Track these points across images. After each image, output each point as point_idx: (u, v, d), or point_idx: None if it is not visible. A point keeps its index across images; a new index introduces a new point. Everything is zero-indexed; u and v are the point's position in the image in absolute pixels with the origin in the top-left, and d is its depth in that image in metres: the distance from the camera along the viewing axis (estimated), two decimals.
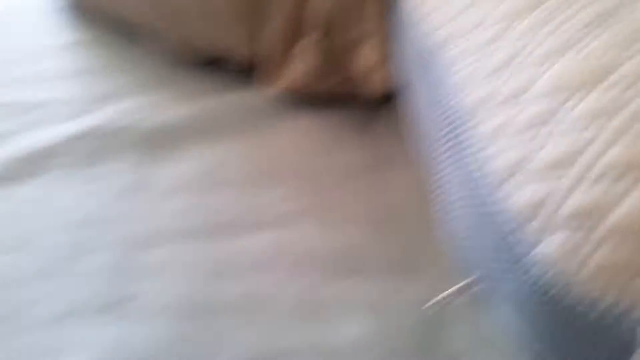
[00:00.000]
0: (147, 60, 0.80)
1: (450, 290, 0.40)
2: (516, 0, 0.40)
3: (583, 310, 0.28)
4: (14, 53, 0.82)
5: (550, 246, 0.29)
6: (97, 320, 0.49)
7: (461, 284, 0.39)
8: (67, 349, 0.47)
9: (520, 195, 0.31)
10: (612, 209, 0.28)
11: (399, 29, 0.59)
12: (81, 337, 0.48)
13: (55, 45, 0.84)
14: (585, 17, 0.36)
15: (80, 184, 0.62)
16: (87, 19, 0.88)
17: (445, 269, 0.50)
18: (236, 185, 0.61)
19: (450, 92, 0.41)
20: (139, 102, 0.72)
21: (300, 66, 0.72)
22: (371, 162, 0.64)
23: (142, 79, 0.77)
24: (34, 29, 0.88)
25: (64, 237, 0.56)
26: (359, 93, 0.70)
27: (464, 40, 0.42)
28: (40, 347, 0.47)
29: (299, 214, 0.58)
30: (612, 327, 0.27)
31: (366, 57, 0.67)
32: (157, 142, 0.67)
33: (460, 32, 0.43)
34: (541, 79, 0.35)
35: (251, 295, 0.50)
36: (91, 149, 0.66)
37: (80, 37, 0.85)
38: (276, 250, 0.54)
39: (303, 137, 0.68)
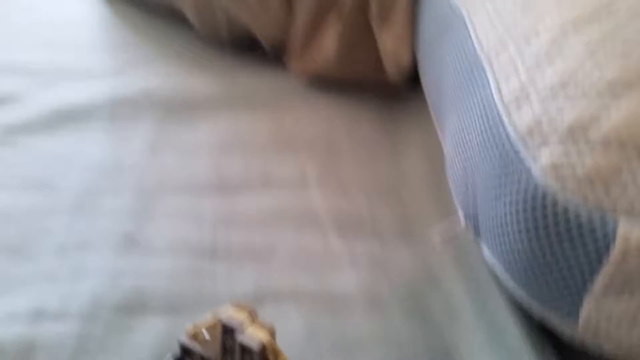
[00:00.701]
0: (183, 38, 0.83)
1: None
2: None
3: (573, 210, 0.31)
4: (54, 19, 0.86)
5: (547, 157, 0.33)
6: (105, 252, 0.50)
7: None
8: (73, 276, 0.48)
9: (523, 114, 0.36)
10: (595, 124, 0.32)
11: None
12: (87, 266, 0.49)
13: (96, 18, 0.87)
14: None
15: (105, 139, 0.64)
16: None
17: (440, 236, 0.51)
18: (251, 151, 0.63)
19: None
20: (169, 71, 0.75)
21: (323, 52, 0.73)
22: (386, 143, 0.65)
23: (176, 53, 0.80)
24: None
25: (86, 181, 0.58)
26: (380, 77, 0.71)
27: None
28: (43, 273, 0.48)
29: (306, 179, 0.61)
30: (595, 228, 0.30)
31: (391, 39, 0.69)
32: (182, 107, 0.70)
33: None
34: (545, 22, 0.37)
35: (252, 244, 0.53)
36: (119, 108, 0.69)
37: (122, 14, 0.89)
38: (280, 208, 0.57)
39: (323, 116, 0.70)
